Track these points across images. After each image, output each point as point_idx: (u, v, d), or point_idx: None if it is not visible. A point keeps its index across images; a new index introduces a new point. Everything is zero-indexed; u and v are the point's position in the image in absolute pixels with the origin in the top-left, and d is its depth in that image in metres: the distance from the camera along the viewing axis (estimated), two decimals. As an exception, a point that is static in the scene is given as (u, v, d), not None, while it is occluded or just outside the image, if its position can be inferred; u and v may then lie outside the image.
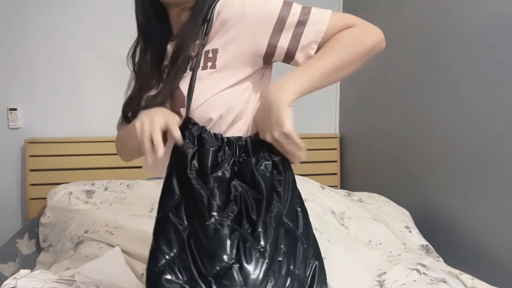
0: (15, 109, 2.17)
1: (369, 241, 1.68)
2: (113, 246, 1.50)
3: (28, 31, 2.16)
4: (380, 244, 1.66)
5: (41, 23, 2.17)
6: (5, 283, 0.99)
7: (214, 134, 0.77)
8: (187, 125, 0.76)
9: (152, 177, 2.13)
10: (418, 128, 1.96)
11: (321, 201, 1.84)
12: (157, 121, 0.73)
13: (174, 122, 0.74)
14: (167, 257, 0.68)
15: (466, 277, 1.36)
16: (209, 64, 0.81)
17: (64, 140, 2.21)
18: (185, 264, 0.68)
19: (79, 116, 2.27)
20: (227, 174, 0.72)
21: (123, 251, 1.49)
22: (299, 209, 0.79)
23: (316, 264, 0.75)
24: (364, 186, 2.33)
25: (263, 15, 0.78)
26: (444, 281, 1.30)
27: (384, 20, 2.22)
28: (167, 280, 0.67)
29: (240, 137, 0.78)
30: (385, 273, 1.40)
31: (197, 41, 0.82)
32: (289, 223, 0.74)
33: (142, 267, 1.45)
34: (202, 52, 0.82)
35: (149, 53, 0.89)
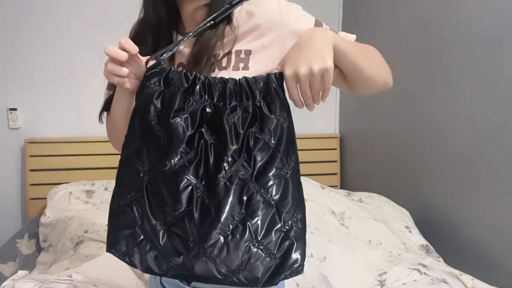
0: (15, 109, 2.17)
1: (369, 241, 1.68)
2: (98, 241, 1.50)
3: (28, 31, 2.17)
4: (380, 244, 1.66)
5: (41, 23, 2.17)
6: (3, 284, 0.99)
7: (185, 73, 0.72)
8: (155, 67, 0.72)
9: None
10: (418, 128, 1.96)
11: (321, 201, 1.84)
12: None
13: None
14: (127, 197, 0.70)
15: (467, 278, 1.36)
16: (241, 65, 0.78)
17: (64, 140, 2.21)
18: (142, 208, 0.69)
19: (79, 116, 2.27)
20: (193, 119, 0.69)
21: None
22: (289, 178, 0.71)
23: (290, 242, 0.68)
24: (364, 186, 2.33)
25: (299, 28, 0.77)
26: (444, 281, 1.30)
27: (384, 20, 2.22)
28: (125, 218, 0.69)
29: (221, 80, 0.72)
30: (385, 272, 1.40)
31: (224, 40, 0.79)
32: (260, 189, 0.68)
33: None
34: (233, 52, 0.79)
35: (155, 48, 0.84)
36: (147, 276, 1.39)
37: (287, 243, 0.68)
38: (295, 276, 0.69)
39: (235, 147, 0.69)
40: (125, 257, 0.70)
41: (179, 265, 0.67)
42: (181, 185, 0.67)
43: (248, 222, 0.67)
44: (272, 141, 0.70)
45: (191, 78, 0.71)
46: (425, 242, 1.74)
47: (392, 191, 2.13)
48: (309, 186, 1.97)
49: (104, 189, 1.99)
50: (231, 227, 0.66)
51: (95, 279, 1.15)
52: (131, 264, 0.70)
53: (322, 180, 2.22)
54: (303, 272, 0.68)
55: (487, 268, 1.56)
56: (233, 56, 0.79)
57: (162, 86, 0.71)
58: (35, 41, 2.18)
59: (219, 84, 0.72)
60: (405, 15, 2.05)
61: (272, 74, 0.72)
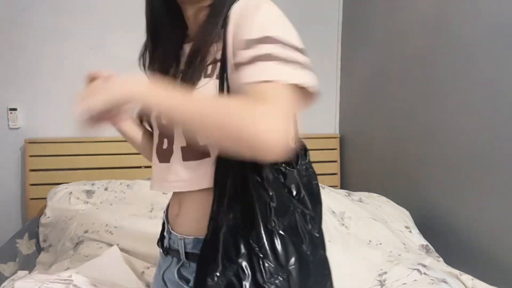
0: (15, 109, 2.17)
1: (369, 241, 1.68)
2: (98, 241, 1.50)
3: (28, 31, 2.17)
4: (380, 244, 1.66)
5: (41, 23, 2.17)
6: (3, 284, 0.99)
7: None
8: None
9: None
10: (418, 128, 1.96)
11: (322, 199, 1.84)
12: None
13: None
14: None
15: (467, 278, 1.36)
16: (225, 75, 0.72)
17: (64, 140, 2.21)
18: None
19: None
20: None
21: (123, 250, 1.49)
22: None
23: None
24: (364, 186, 2.33)
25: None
26: (444, 281, 1.30)
27: (384, 20, 2.22)
28: None
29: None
30: (385, 272, 1.40)
31: (214, 46, 0.72)
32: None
33: (142, 265, 1.45)
34: (219, 60, 0.72)
35: (160, 55, 0.82)
36: (147, 276, 1.39)
37: None
38: None
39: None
40: None
41: None
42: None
43: None
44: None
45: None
46: (425, 242, 1.74)
47: (392, 191, 2.13)
48: (309, 186, 1.96)
49: (104, 189, 1.99)
50: None
51: (95, 279, 1.15)
52: None
53: (322, 180, 2.19)
54: None
55: (487, 268, 1.56)
56: (218, 64, 0.72)
57: None
58: (35, 41, 2.18)
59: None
60: (405, 15, 2.05)
61: None
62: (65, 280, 1.09)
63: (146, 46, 0.86)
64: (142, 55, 0.86)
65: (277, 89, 0.61)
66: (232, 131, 0.58)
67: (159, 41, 0.83)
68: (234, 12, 0.71)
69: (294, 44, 0.66)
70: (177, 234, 0.79)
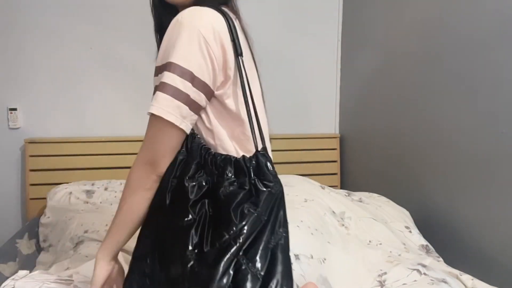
0: (15, 109, 2.17)
1: (369, 241, 1.68)
2: (98, 241, 1.50)
3: (28, 31, 2.17)
4: (380, 244, 1.66)
5: (41, 23, 2.17)
6: (4, 284, 1.00)
7: (202, 146, 0.80)
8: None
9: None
10: (418, 128, 1.96)
11: (321, 201, 1.84)
12: None
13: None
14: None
15: (467, 278, 1.36)
16: None
17: (64, 140, 2.21)
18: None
19: (79, 116, 2.27)
20: (200, 188, 0.78)
21: (123, 250, 1.49)
22: (275, 250, 0.74)
23: None
24: (364, 186, 2.33)
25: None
26: (444, 281, 1.30)
27: (384, 20, 2.22)
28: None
29: (220, 155, 0.80)
30: (385, 273, 1.40)
31: None
32: (248, 262, 0.71)
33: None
34: None
35: None
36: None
37: None
38: None
39: (229, 221, 0.72)
40: None
41: None
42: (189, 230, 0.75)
43: None
44: (264, 217, 0.74)
45: (203, 152, 0.80)
46: (425, 242, 1.74)
47: (392, 191, 2.13)
48: (309, 186, 1.97)
49: (104, 189, 1.99)
50: None
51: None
52: None
53: (322, 180, 2.22)
54: None
55: (487, 268, 1.56)
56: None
57: (186, 153, 0.80)
58: (35, 41, 2.18)
59: (223, 160, 0.78)
60: (405, 15, 2.05)
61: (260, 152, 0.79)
62: (66, 280, 1.09)
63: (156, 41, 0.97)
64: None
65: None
66: (129, 203, 0.83)
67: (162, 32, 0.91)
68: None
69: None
70: None
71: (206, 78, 0.78)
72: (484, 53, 1.59)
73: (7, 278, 1.34)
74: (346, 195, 2.02)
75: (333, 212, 1.84)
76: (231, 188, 0.75)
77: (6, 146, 2.19)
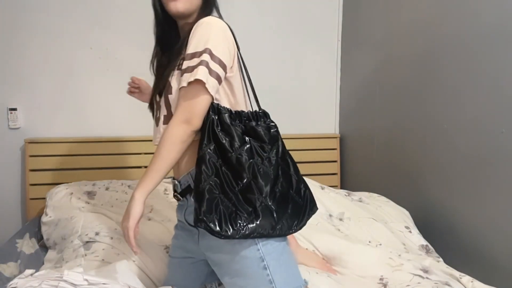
0: (15, 109, 2.17)
1: (369, 241, 1.68)
2: (113, 246, 1.50)
3: (28, 31, 2.17)
4: (380, 244, 1.66)
5: (41, 23, 2.18)
6: (11, 283, 1.01)
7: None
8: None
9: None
10: (418, 128, 1.96)
11: (321, 201, 1.84)
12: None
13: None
14: (207, 178, 0.98)
15: (467, 280, 1.35)
16: None
17: (64, 140, 2.21)
18: (220, 182, 0.98)
19: (79, 116, 2.27)
20: (240, 129, 1.05)
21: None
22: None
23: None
24: (364, 186, 2.33)
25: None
26: (448, 284, 1.31)
27: (384, 20, 2.22)
28: (209, 191, 0.96)
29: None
30: (386, 276, 1.40)
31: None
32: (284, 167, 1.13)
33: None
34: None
35: (163, 57, 1.19)
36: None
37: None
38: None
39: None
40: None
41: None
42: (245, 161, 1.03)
43: None
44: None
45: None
46: (425, 242, 1.73)
47: (392, 191, 2.13)
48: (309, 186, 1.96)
49: (105, 189, 1.99)
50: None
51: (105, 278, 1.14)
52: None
53: (322, 180, 2.22)
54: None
55: (487, 268, 1.56)
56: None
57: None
58: (35, 41, 2.18)
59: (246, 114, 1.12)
60: (405, 15, 2.05)
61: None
62: (73, 278, 1.07)
63: (155, 53, 1.23)
64: (152, 60, 1.24)
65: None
66: (171, 144, 1.02)
67: (163, 46, 1.20)
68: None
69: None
70: (175, 180, 1.15)
71: (227, 62, 1.05)
72: (483, 53, 1.59)
73: (7, 278, 1.34)
74: (346, 195, 2.02)
75: (333, 212, 1.84)
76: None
77: (6, 146, 2.19)
